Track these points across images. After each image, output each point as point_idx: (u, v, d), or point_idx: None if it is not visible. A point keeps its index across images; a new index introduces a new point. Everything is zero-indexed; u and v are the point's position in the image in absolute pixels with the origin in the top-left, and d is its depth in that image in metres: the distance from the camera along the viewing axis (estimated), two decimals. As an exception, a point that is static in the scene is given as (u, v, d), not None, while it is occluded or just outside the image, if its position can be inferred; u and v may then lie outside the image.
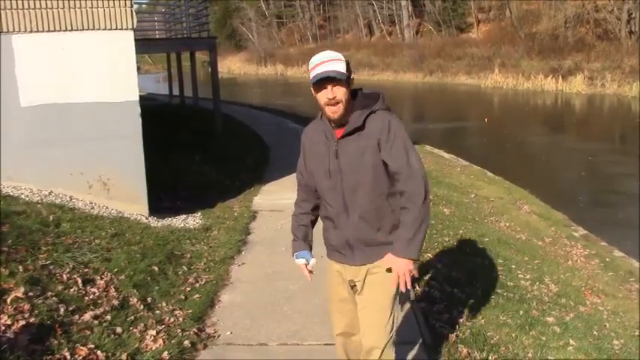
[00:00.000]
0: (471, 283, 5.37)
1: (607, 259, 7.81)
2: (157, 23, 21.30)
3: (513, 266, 6.19)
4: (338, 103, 2.61)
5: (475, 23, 43.79)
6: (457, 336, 4.25)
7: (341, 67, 2.60)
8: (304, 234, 2.94)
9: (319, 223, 2.99)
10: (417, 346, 4.04)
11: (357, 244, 2.76)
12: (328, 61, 2.60)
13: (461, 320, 4.55)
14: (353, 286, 2.88)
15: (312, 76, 2.60)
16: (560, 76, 31.13)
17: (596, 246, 8.48)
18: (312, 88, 2.65)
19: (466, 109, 27.51)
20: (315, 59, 2.64)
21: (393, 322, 2.83)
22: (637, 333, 5.19)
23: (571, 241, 8.49)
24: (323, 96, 2.62)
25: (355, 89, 2.74)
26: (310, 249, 2.94)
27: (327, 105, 2.62)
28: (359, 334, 2.89)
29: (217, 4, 60.19)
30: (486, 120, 21.85)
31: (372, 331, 2.79)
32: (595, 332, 4.94)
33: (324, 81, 2.58)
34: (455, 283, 5.28)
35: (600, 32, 33.62)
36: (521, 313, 4.89)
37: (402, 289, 2.74)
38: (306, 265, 2.90)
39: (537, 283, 5.85)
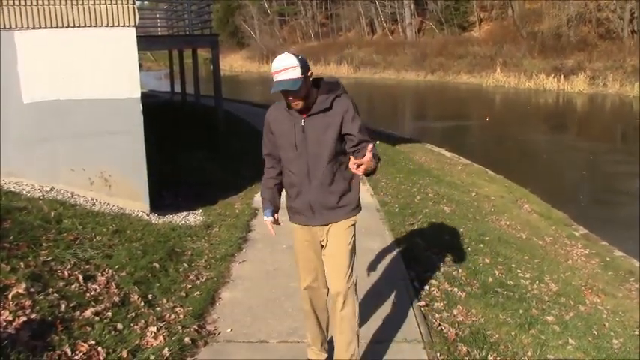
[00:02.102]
0: (471, 282, 5.39)
1: (607, 259, 7.83)
2: (159, 20, 21.28)
3: (513, 265, 6.20)
4: (297, 102, 3.04)
5: (477, 22, 43.75)
6: (456, 334, 4.26)
7: (294, 74, 2.95)
8: (271, 196, 3.37)
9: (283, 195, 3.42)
10: (417, 344, 4.05)
11: (317, 207, 3.23)
12: (282, 71, 2.95)
13: (460, 319, 4.56)
14: (319, 244, 3.36)
15: (274, 82, 3.00)
16: (562, 76, 31.12)
17: (597, 245, 8.50)
18: None
19: (467, 107, 27.50)
20: (273, 65, 3.00)
21: (352, 269, 3.33)
22: (636, 332, 5.20)
23: (571, 240, 8.50)
24: (285, 98, 3.07)
25: (317, 78, 3.15)
26: (276, 209, 3.37)
27: (291, 103, 3.06)
28: (322, 286, 3.43)
29: (220, 2, 60.16)
30: (487, 119, 21.85)
31: (337, 276, 3.29)
32: (594, 331, 4.95)
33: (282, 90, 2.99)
34: (455, 282, 5.29)
35: (602, 32, 33.58)
36: (520, 311, 4.90)
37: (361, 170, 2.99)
38: (272, 222, 3.33)
39: (537, 282, 5.86)
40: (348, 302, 3.32)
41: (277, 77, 2.98)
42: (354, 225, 3.34)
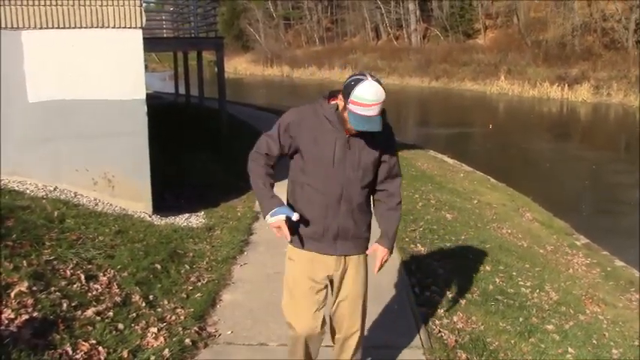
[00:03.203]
0: (472, 289, 5.39)
1: (608, 269, 7.82)
2: (164, 22, 21.35)
3: (514, 273, 6.20)
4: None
5: (482, 29, 43.78)
6: (456, 341, 4.26)
7: (380, 110, 2.66)
8: (271, 189, 2.87)
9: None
10: (417, 350, 4.06)
11: (342, 235, 2.90)
12: (376, 105, 2.62)
13: (460, 326, 4.56)
14: (327, 280, 3.00)
15: (356, 112, 2.63)
16: (566, 84, 31.08)
17: (598, 255, 8.49)
18: (345, 103, 2.69)
19: (471, 115, 27.49)
20: (366, 95, 2.60)
21: (365, 309, 3.14)
22: (636, 343, 5.19)
23: (572, 249, 8.49)
24: (350, 120, 2.69)
25: None
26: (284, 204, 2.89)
27: (350, 128, 2.72)
28: (322, 326, 3.01)
29: (225, 5, 60.29)
30: (490, 126, 21.85)
31: (355, 318, 3.05)
32: (594, 341, 4.95)
33: None
34: (455, 289, 5.30)
35: (607, 41, 33.58)
36: (521, 320, 4.90)
37: (375, 271, 3.05)
38: (286, 221, 2.79)
39: (538, 290, 5.86)
40: (359, 337, 3.15)
41: (367, 111, 2.62)
42: (366, 257, 3.10)
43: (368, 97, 2.60)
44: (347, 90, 2.65)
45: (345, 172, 2.82)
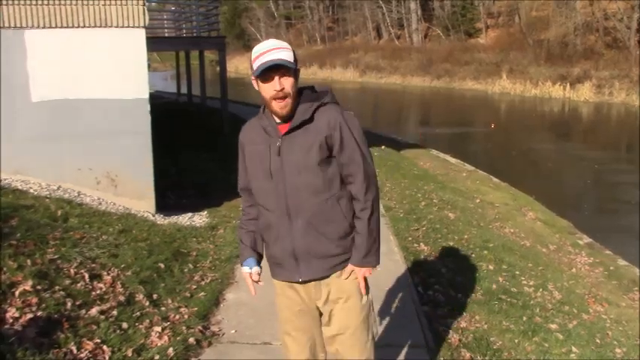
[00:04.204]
0: (475, 288, 5.39)
1: (611, 268, 7.81)
2: (166, 21, 21.37)
3: (517, 272, 6.20)
4: (287, 96, 2.32)
5: (484, 28, 43.76)
6: (460, 340, 4.26)
7: (289, 56, 2.30)
8: (252, 240, 2.60)
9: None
10: (421, 349, 4.06)
11: (302, 256, 2.44)
12: (274, 49, 2.29)
13: (464, 325, 4.56)
14: (316, 309, 2.59)
15: (256, 66, 2.29)
16: (568, 84, 31.06)
17: (601, 254, 8.48)
18: (255, 82, 2.36)
19: (473, 114, 27.48)
20: (259, 48, 2.32)
21: (373, 336, 2.62)
22: (639, 342, 5.19)
23: (575, 248, 8.49)
24: (269, 88, 2.31)
25: (302, 87, 2.45)
26: (260, 257, 2.61)
27: (275, 98, 2.32)
28: (321, 351, 2.66)
29: (227, 4, 60.32)
30: (493, 126, 21.84)
31: (356, 353, 2.55)
32: (598, 340, 4.94)
33: (270, 70, 2.27)
34: (459, 288, 5.30)
35: (609, 40, 33.54)
36: (524, 319, 4.90)
37: (363, 292, 2.57)
38: (251, 274, 2.56)
39: (541, 289, 5.86)
40: None
41: (266, 57, 2.28)
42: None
43: (262, 46, 2.32)
44: (250, 63, 2.37)
45: (285, 180, 2.39)
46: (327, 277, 2.49)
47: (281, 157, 2.39)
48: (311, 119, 2.38)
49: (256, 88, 2.38)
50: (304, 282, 2.50)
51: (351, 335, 2.53)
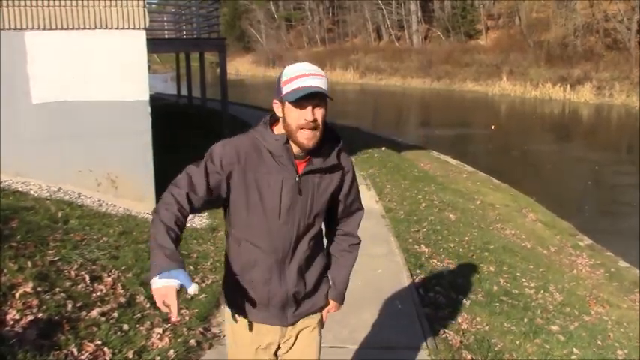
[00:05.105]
0: (476, 290, 5.39)
1: (612, 269, 7.81)
2: (166, 23, 21.38)
3: (518, 274, 6.19)
4: (317, 128, 2.07)
5: (484, 30, 43.78)
6: (461, 342, 4.26)
7: (326, 85, 2.07)
8: (175, 242, 2.04)
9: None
10: (422, 351, 4.05)
11: (292, 302, 2.29)
12: (313, 75, 2.04)
13: (465, 326, 4.56)
14: (275, 347, 2.38)
15: (289, 89, 2.04)
16: (568, 85, 31.09)
17: (602, 256, 8.48)
18: (280, 105, 2.11)
19: (473, 115, 27.50)
20: (294, 69, 2.07)
21: None
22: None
23: (576, 250, 8.49)
24: (300, 116, 2.04)
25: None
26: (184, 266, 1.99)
27: (304, 128, 2.05)
28: None
29: (227, 6, 60.38)
30: (493, 127, 21.84)
31: None
32: (599, 342, 4.94)
33: (308, 98, 2.02)
34: (460, 289, 5.29)
35: (609, 42, 33.56)
36: (525, 320, 4.90)
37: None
38: (178, 291, 1.90)
39: (542, 291, 5.86)
40: None
41: (308, 81, 2.02)
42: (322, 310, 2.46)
43: (297, 67, 2.08)
44: (277, 84, 2.11)
45: (294, 223, 2.19)
46: (309, 315, 2.38)
47: (299, 197, 2.17)
48: (338, 164, 2.22)
49: (278, 112, 2.12)
50: (283, 326, 2.33)
51: None
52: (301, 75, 2.03)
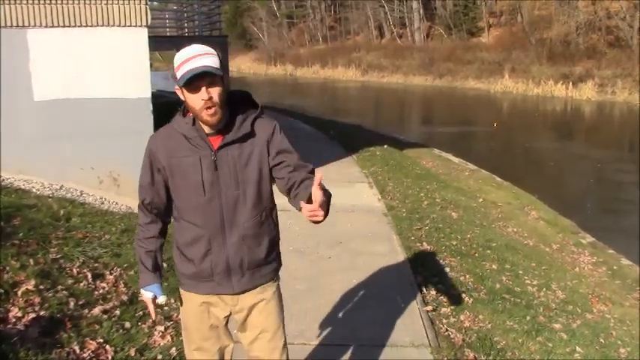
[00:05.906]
0: (478, 288, 5.38)
1: (614, 267, 7.80)
2: (167, 20, 21.36)
3: (521, 272, 6.18)
4: (215, 105, 2.19)
5: (486, 27, 43.72)
6: (464, 340, 4.25)
7: (215, 62, 2.20)
8: (154, 262, 2.45)
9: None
10: (424, 349, 4.04)
11: (236, 269, 2.38)
12: (199, 56, 2.18)
13: (468, 324, 4.55)
14: (227, 318, 2.50)
15: (180, 74, 2.16)
16: (571, 83, 31.06)
17: (604, 254, 8.46)
18: (180, 91, 2.24)
19: (475, 113, 27.47)
20: (182, 54, 2.20)
21: (286, 343, 2.57)
22: (643, 342, 5.18)
23: (578, 248, 8.47)
24: (197, 98, 2.17)
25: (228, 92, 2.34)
26: (161, 279, 2.48)
27: (205, 108, 2.19)
28: None
29: (229, 4, 60.34)
30: (495, 125, 21.82)
31: (276, 355, 2.51)
32: (602, 340, 4.93)
33: (197, 79, 2.14)
34: (462, 287, 5.28)
35: (612, 39, 33.51)
36: (528, 318, 4.89)
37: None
38: (153, 300, 2.45)
39: (544, 289, 5.85)
40: None
41: (192, 64, 2.16)
42: (279, 285, 2.56)
43: (185, 52, 2.20)
44: (172, 71, 2.22)
45: (221, 195, 2.30)
46: (258, 287, 2.45)
47: (217, 172, 2.28)
48: (251, 132, 2.30)
49: (182, 97, 2.25)
50: (231, 295, 2.42)
51: (271, 338, 2.50)
52: (188, 58, 2.17)
